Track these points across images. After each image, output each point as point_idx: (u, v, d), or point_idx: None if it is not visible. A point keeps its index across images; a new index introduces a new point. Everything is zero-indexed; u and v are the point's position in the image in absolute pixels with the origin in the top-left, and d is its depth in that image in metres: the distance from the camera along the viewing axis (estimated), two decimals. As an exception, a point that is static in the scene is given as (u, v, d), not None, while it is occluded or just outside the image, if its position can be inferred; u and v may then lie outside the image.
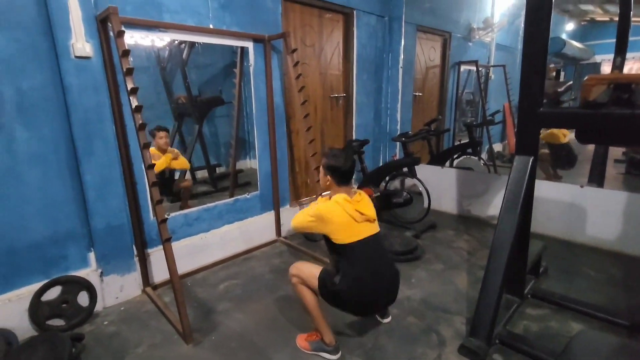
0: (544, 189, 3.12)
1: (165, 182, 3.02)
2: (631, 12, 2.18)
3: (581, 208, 3.07)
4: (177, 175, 3.18)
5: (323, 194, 1.95)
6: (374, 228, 1.82)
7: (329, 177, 1.82)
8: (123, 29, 1.89)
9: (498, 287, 1.85)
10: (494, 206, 3.61)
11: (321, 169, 1.86)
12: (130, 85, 1.87)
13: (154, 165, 1.90)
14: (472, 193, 3.79)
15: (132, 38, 2.29)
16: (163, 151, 2.89)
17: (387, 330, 2.04)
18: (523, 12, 4.07)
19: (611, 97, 1.57)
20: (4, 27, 1.80)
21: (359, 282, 1.71)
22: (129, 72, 1.86)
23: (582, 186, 3.06)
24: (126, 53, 1.86)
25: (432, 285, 2.49)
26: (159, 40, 2.53)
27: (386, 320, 2.11)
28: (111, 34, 2.04)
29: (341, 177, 1.80)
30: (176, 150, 3.03)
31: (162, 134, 2.90)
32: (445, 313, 2.18)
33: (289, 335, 2.01)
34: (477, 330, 1.84)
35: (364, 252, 1.74)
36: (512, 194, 1.91)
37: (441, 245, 3.14)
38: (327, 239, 1.76)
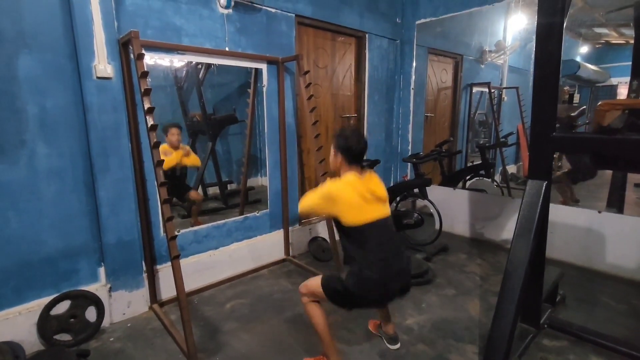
0: (560, 213, 3.04)
1: (177, 182, 3.07)
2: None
3: (600, 234, 2.97)
4: (189, 178, 3.22)
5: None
6: (384, 210, 1.73)
7: (340, 156, 1.74)
8: (143, 51, 1.97)
9: (512, 316, 1.78)
10: (508, 230, 3.52)
11: (332, 149, 1.78)
12: (147, 105, 1.93)
13: (162, 161, 1.92)
14: (485, 216, 3.71)
15: (152, 59, 2.39)
16: (175, 147, 2.96)
17: (395, 358, 1.97)
18: (535, 37, 4.07)
19: (626, 122, 1.55)
20: (32, 49, 1.91)
21: (369, 267, 1.62)
22: (147, 92, 1.93)
23: (600, 211, 2.96)
24: (145, 74, 1.93)
25: (444, 311, 2.42)
26: (177, 61, 2.62)
27: (395, 347, 2.05)
28: (132, 56, 2.13)
29: (354, 157, 1.72)
30: (187, 147, 3.09)
31: (174, 130, 2.96)
32: (457, 341, 2.11)
33: (295, 358, 1.96)
34: (490, 361, 1.76)
35: (373, 236, 1.65)
36: (525, 219, 1.86)
37: (453, 269, 3.07)
38: (336, 222, 1.70)
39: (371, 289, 1.65)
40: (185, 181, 3.19)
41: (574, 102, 3.20)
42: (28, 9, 1.87)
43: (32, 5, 1.88)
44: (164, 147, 2.89)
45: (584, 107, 3.19)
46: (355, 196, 1.64)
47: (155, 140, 1.92)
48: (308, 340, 2.11)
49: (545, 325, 2.18)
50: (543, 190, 1.84)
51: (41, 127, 1.97)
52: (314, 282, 1.77)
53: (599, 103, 1.60)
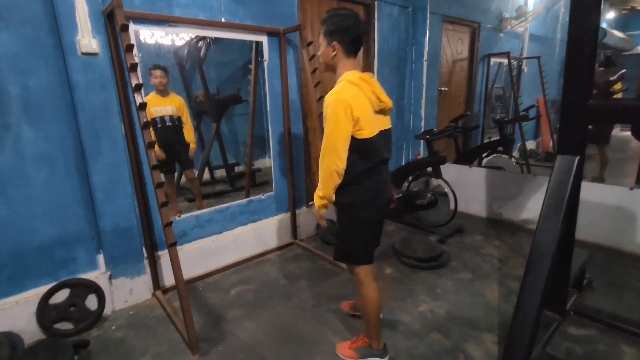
0: (587, 191, 2.79)
1: (171, 137, 2.87)
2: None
3: (630, 212, 2.74)
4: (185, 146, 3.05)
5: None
6: (387, 122, 1.55)
7: (335, 44, 1.44)
8: (126, 22, 1.80)
9: (537, 303, 1.61)
10: (528, 209, 3.31)
11: (322, 39, 1.48)
12: (134, 82, 1.78)
13: (154, 142, 1.78)
14: (504, 195, 3.50)
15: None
16: (163, 93, 2.77)
17: (408, 348, 1.85)
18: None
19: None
20: (9, 23, 1.76)
21: (368, 180, 1.50)
22: (133, 67, 1.77)
23: (631, 188, 2.73)
24: (130, 47, 1.77)
25: (459, 297, 2.27)
26: (169, 35, 2.44)
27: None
28: (117, 28, 1.96)
29: (353, 42, 1.44)
30: (178, 97, 2.89)
31: (157, 72, 2.65)
32: (474, 330, 1.97)
33: (301, 349, 1.86)
34: (512, 352, 1.62)
35: (376, 151, 1.47)
36: (553, 199, 1.66)
37: (469, 251, 2.90)
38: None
39: (371, 198, 1.53)
40: (183, 136, 2.98)
41: (611, 67, 2.88)
42: (1, -23, 1.71)
43: (5, -26, 1.72)
44: (152, 96, 2.72)
45: (624, 70, 2.88)
46: (366, 101, 1.41)
47: (145, 120, 1.78)
48: (316, 329, 2.01)
49: (572, 312, 2.02)
50: (575, 167, 1.63)
51: (25, 109, 1.84)
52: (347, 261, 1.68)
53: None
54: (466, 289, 2.37)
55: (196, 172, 3.38)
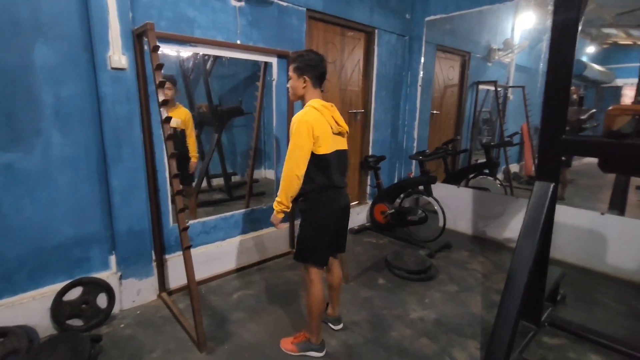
0: (563, 213, 3.07)
1: (179, 146, 3.03)
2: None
3: (601, 236, 3.01)
4: (192, 153, 3.22)
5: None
6: (343, 144, 1.83)
7: (306, 78, 1.73)
8: (158, 43, 1.99)
9: (515, 313, 1.82)
10: (510, 229, 3.56)
11: (292, 73, 1.76)
12: (161, 98, 1.95)
13: (176, 153, 1.95)
14: (488, 214, 3.75)
15: (161, 50, 2.39)
16: (170, 104, 2.93)
17: (399, 352, 2.02)
18: (545, 37, 4.07)
19: (636, 128, 1.57)
20: (49, 38, 1.92)
21: (324, 190, 1.74)
22: (161, 84, 1.95)
23: (603, 213, 3.00)
24: (160, 67, 1.95)
25: (446, 307, 2.47)
26: (187, 52, 2.63)
27: (338, 327, 2.18)
28: (146, 47, 2.14)
29: (319, 76, 1.76)
30: (185, 110, 3.09)
31: (167, 84, 2.78)
32: (459, 336, 2.16)
33: (301, 349, 2.01)
34: (492, 357, 1.81)
35: (331, 166, 1.74)
36: (531, 220, 1.89)
37: (455, 266, 3.11)
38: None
39: (326, 205, 1.77)
40: (184, 149, 3.16)
41: (583, 105, 3.21)
42: (45, -2, 1.88)
43: (49, -5, 1.89)
44: None
45: (594, 110, 3.21)
46: (326, 124, 1.70)
47: (169, 132, 1.94)
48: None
49: (546, 324, 2.24)
50: (550, 192, 1.87)
51: (56, 116, 1.99)
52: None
53: (610, 108, 1.62)
54: (452, 300, 2.56)
55: (193, 185, 3.48)
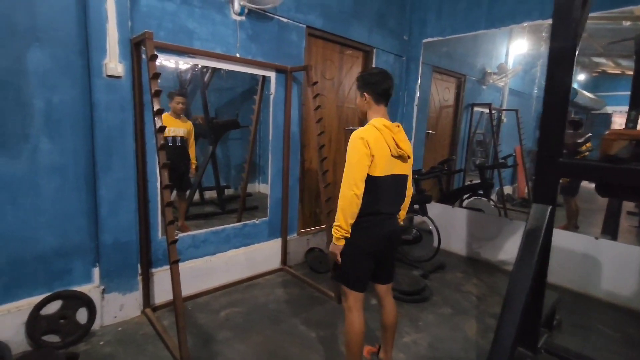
0: (558, 237, 3.04)
1: (177, 153, 3.12)
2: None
3: (596, 260, 2.99)
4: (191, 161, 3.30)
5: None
6: (404, 168, 1.72)
7: (366, 95, 1.69)
8: (156, 53, 1.97)
9: (512, 339, 1.76)
10: (504, 251, 3.53)
11: (357, 90, 1.75)
12: (156, 107, 1.92)
13: (168, 163, 1.90)
14: (483, 235, 3.73)
15: (161, 60, 2.38)
16: (177, 116, 3.06)
17: (392, 376, 1.94)
18: (539, 62, 4.14)
19: (633, 153, 1.57)
20: (43, 42, 1.89)
21: (367, 215, 1.63)
22: (157, 94, 1.92)
23: (597, 237, 2.99)
24: (156, 76, 1.92)
25: (440, 331, 2.40)
26: (184, 63, 2.62)
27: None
28: (144, 56, 2.12)
29: (381, 94, 1.68)
30: (189, 122, 3.19)
31: (179, 99, 3.06)
32: (454, 362, 2.08)
33: (289, 372, 1.92)
34: (488, 385, 1.74)
35: (383, 190, 1.63)
36: (528, 243, 1.86)
37: (450, 287, 3.05)
38: None
39: (367, 230, 1.65)
40: (187, 157, 3.23)
41: (579, 129, 3.25)
42: (43, 2, 1.86)
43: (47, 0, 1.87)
44: (166, 116, 2.95)
45: (590, 134, 3.24)
46: (384, 145, 1.61)
47: (162, 142, 1.90)
48: (304, 353, 2.07)
49: (542, 350, 2.17)
50: (547, 215, 1.85)
51: (46, 122, 1.94)
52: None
53: (606, 132, 1.63)
54: (447, 323, 2.49)
55: (188, 193, 3.46)
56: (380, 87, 1.68)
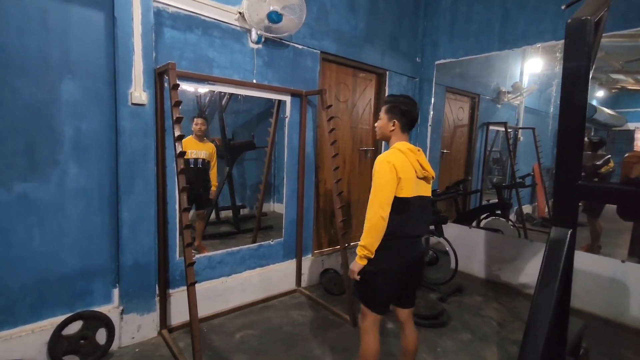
0: (581, 260, 2.95)
1: (198, 175, 3.22)
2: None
3: (623, 285, 2.86)
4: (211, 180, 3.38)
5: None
6: (427, 190, 1.76)
7: (395, 121, 1.73)
8: (178, 82, 2.07)
9: (535, 370, 1.70)
10: (525, 274, 3.43)
11: (383, 114, 1.77)
12: (177, 133, 2.00)
13: (187, 187, 1.98)
14: (502, 257, 3.63)
15: (181, 87, 2.49)
16: (200, 139, 3.16)
17: (410, 406, 1.88)
18: (555, 82, 4.11)
19: (655, 176, 1.54)
20: (75, 75, 2.02)
21: (395, 238, 1.65)
22: (178, 120, 2.01)
23: (623, 261, 2.87)
24: (178, 104, 2.02)
25: (460, 358, 2.32)
26: (204, 89, 2.73)
27: None
28: (166, 85, 2.23)
29: (409, 122, 1.75)
30: (212, 145, 3.27)
31: (199, 120, 3.14)
32: (474, 392, 2.01)
33: (304, 399, 1.89)
34: (512, 418, 1.67)
35: (411, 211, 1.67)
36: (549, 268, 1.81)
37: (468, 312, 2.97)
38: None
39: (395, 254, 1.67)
40: (207, 179, 3.32)
41: (598, 151, 3.19)
42: (76, 38, 2.00)
43: (81, 36, 2.01)
44: (190, 139, 3.09)
45: (609, 156, 3.17)
46: (410, 167, 1.66)
47: (182, 167, 1.97)
48: (319, 379, 2.04)
49: (569, 381, 2.07)
50: (568, 239, 1.80)
51: (74, 148, 2.05)
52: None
53: (626, 155, 1.60)
54: (466, 350, 2.42)
55: (205, 211, 3.54)
56: (411, 116, 1.76)
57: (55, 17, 1.93)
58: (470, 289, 3.43)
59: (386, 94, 3.90)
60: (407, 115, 1.74)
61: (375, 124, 1.86)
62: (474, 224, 4.26)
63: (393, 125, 1.75)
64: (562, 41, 1.95)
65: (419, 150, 1.75)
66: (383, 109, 1.80)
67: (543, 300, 1.79)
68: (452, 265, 3.28)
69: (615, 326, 2.82)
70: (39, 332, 1.98)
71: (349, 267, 1.73)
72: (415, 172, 1.69)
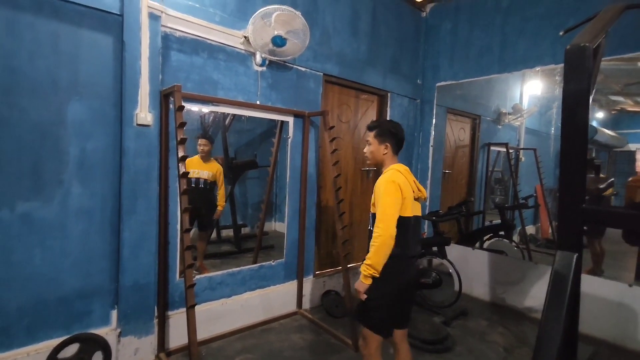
0: (588, 284, 2.89)
1: (202, 195, 3.23)
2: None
3: (631, 310, 2.80)
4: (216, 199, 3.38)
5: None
6: (420, 210, 1.82)
7: (387, 144, 1.80)
8: (183, 103, 2.10)
9: (544, 400, 1.64)
10: (531, 297, 3.36)
11: (372, 139, 1.82)
12: (181, 153, 2.02)
13: (190, 208, 2.01)
14: (506, 280, 3.57)
15: (186, 108, 2.53)
16: (205, 159, 3.18)
17: None
18: (555, 104, 4.15)
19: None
20: (83, 96, 2.06)
21: (399, 259, 1.68)
22: (183, 141, 2.03)
23: (630, 285, 2.82)
24: (183, 125, 2.05)
25: (465, 386, 2.25)
26: (207, 109, 2.77)
27: None
28: (171, 106, 2.27)
29: (399, 144, 1.82)
30: (217, 165, 3.28)
31: (202, 141, 3.16)
32: (482, 423, 1.93)
33: None
34: None
35: (410, 230, 1.71)
36: (555, 293, 1.78)
37: (473, 337, 2.89)
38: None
39: (398, 275, 1.70)
40: (210, 199, 3.32)
41: (600, 174, 3.19)
42: (85, 61, 2.06)
43: (89, 59, 2.07)
44: (196, 159, 3.13)
45: (612, 179, 3.16)
46: (409, 188, 1.73)
47: (185, 187, 1.98)
48: (320, 408, 1.97)
49: (580, 412, 1.99)
50: (574, 263, 1.78)
51: (79, 168, 2.06)
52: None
53: (630, 179, 1.60)
54: (472, 378, 2.34)
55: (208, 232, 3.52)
56: (400, 137, 1.83)
57: (66, 41, 1.99)
58: (475, 312, 3.35)
59: (388, 116, 3.95)
60: (396, 137, 1.82)
61: (365, 150, 1.90)
62: (477, 245, 4.22)
63: (385, 149, 1.82)
64: (562, 65, 1.98)
65: (409, 171, 1.83)
66: (371, 134, 1.85)
67: (551, 327, 1.75)
68: (457, 287, 3.22)
69: (625, 352, 2.74)
70: (34, 355, 1.94)
71: (354, 287, 1.73)
72: (413, 192, 1.75)
